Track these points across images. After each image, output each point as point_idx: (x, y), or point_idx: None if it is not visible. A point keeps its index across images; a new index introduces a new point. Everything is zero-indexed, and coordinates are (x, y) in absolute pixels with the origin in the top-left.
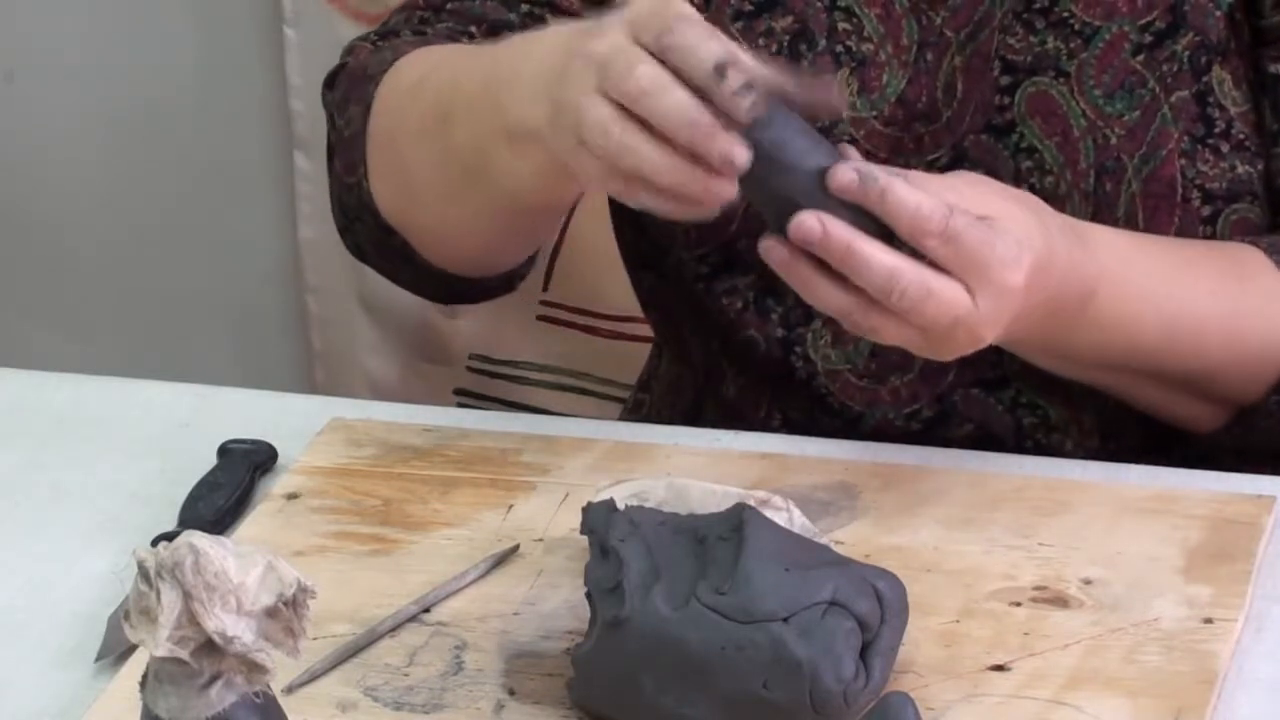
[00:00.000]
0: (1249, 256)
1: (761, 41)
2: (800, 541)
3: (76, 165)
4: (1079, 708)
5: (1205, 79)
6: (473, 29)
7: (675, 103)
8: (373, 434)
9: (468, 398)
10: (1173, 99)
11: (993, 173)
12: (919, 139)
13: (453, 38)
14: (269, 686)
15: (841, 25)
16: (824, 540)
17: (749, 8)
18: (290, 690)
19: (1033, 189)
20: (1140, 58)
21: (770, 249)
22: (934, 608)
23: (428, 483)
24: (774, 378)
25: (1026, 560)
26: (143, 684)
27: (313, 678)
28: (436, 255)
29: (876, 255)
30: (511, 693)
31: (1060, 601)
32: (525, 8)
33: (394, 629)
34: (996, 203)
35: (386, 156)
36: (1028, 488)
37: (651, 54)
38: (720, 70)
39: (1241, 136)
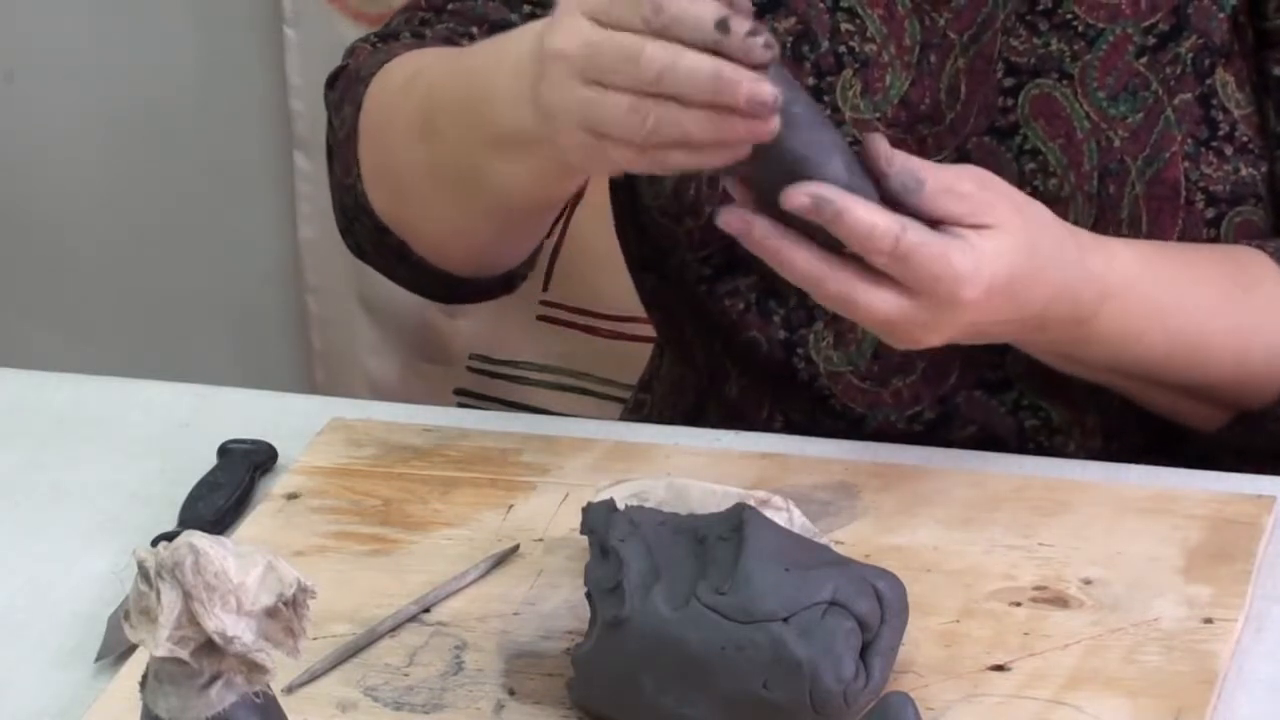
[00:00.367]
0: (1254, 261)
1: None
2: (800, 541)
3: (76, 165)
4: (1079, 708)
5: (1209, 81)
6: (474, 30)
7: (690, 68)
8: (373, 434)
9: (468, 398)
10: (1176, 101)
11: (995, 173)
12: (922, 140)
13: (452, 39)
14: (269, 686)
15: (844, 26)
16: (824, 540)
17: (752, 9)
18: (290, 690)
19: (1036, 191)
20: (1144, 60)
21: (729, 222)
22: (934, 608)
23: (428, 483)
24: (776, 379)
25: (1026, 560)
26: (143, 684)
27: (313, 678)
28: (433, 255)
29: (796, 263)
30: (511, 693)
31: (1060, 601)
32: (528, 8)
33: (394, 629)
34: (998, 212)
35: (378, 159)
36: (1028, 488)
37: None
38: (723, 25)
39: (1245, 139)
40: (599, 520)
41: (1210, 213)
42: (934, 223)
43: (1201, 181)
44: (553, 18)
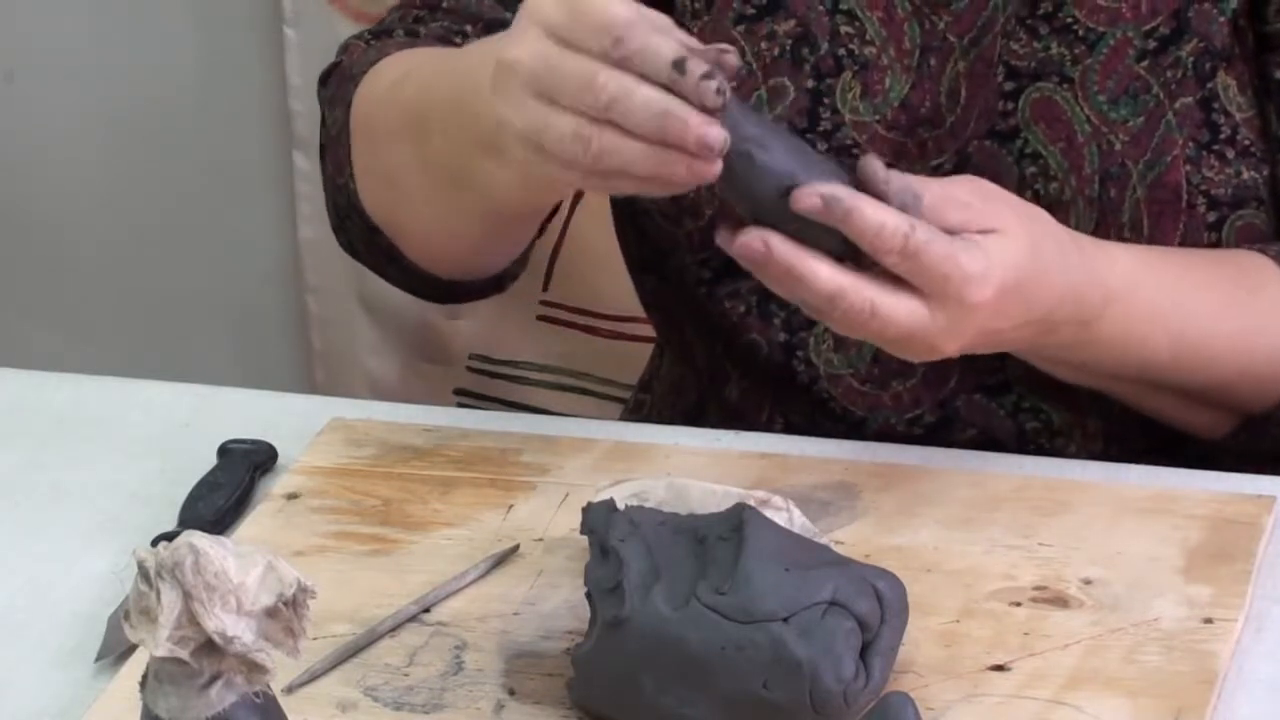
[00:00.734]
0: (1257, 265)
1: (764, 45)
2: (800, 541)
3: (76, 165)
4: (1079, 708)
5: (1210, 85)
6: (468, 28)
7: (643, 101)
8: (373, 434)
9: (468, 398)
10: (1177, 105)
11: (996, 179)
12: (922, 144)
13: (445, 37)
14: (269, 686)
15: (843, 29)
16: (824, 540)
17: (751, 11)
18: (290, 690)
19: (1037, 195)
20: (1144, 64)
21: (729, 242)
22: (934, 608)
23: (428, 483)
24: (776, 381)
25: (1026, 560)
26: (143, 684)
27: (313, 678)
28: (422, 256)
29: (820, 276)
30: (511, 693)
31: (1060, 601)
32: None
33: (394, 629)
34: (1001, 217)
35: (367, 159)
36: (1028, 488)
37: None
38: (679, 65)
39: (1247, 142)
40: (599, 520)
41: (1212, 216)
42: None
43: (1203, 185)
44: (513, 25)
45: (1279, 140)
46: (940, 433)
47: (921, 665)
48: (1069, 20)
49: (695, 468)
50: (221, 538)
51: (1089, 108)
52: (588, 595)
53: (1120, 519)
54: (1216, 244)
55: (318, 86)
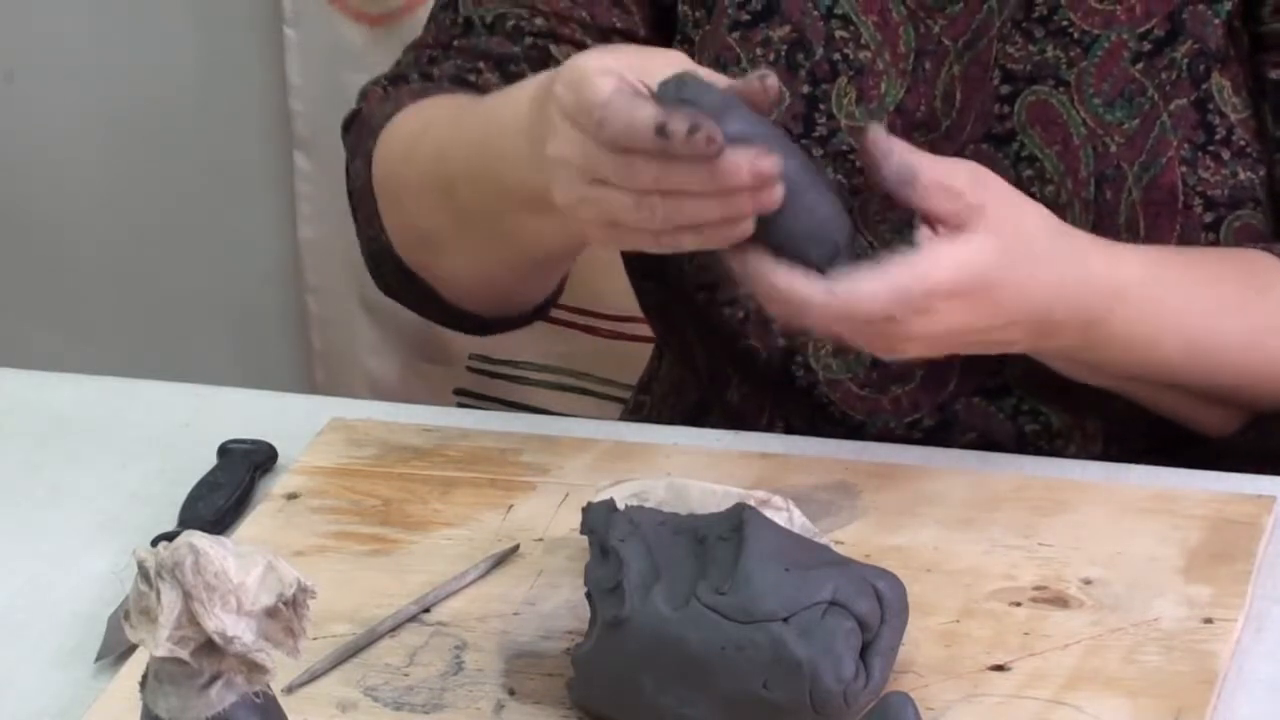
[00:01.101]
0: (1266, 265)
1: (759, 51)
2: (800, 541)
3: (76, 165)
4: (1079, 708)
5: (1205, 86)
6: (480, 64)
7: (683, 173)
8: (373, 434)
9: (468, 398)
10: (1172, 107)
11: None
12: (919, 148)
13: (460, 76)
14: (269, 686)
15: (839, 33)
16: (824, 540)
17: (745, 17)
18: (290, 690)
19: (1033, 198)
20: (1139, 66)
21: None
22: (934, 608)
23: (428, 483)
24: (776, 386)
25: (1026, 560)
26: (143, 684)
27: (313, 678)
28: (461, 299)
29: (779, 284)
30: (511, 693)
31: (1060, 601)
32: (529, 40)
33: (394, 629)
34: (986, 215)
35: (395, 214)
36: (1028, 488)
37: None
38: (661, 130)
39: (1243, 143)
40: (599, 520)
41: (1208, 217)
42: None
43: (1199, 186)
44: (544, 117)
45: (1276, 140)
46: (939, 436)
47: (921, 665)
48: (1064, 23)
49: (695, 468)
50: (221, 538)
51: (1085, 110)
52: (588, 595)
53: (1120, 519)
54: (1214, 244)
55: (341, 133)
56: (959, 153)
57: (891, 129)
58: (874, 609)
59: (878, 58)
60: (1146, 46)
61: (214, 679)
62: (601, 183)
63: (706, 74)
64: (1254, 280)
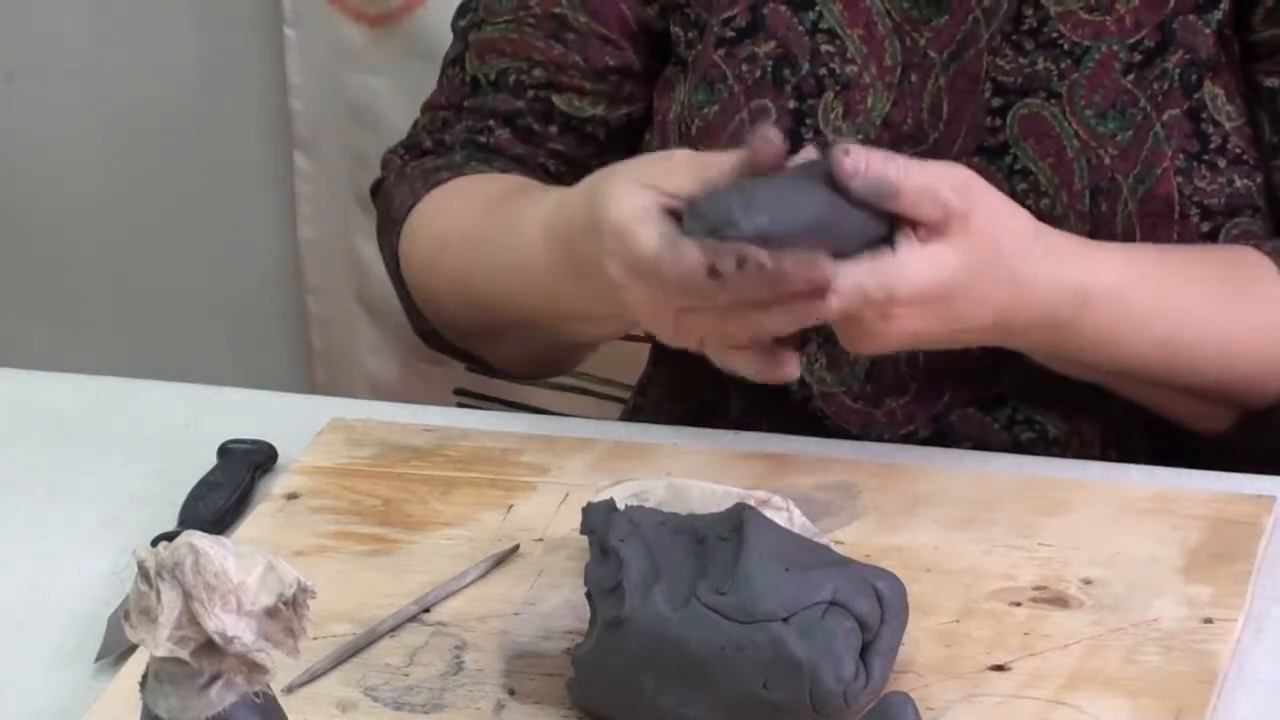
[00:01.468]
0: (1252, 261)
1: (744, 68)
2: (800, 541)
3: (76, 165)
4: (1079, 708)
5: (1197, 95)
6: (490, 123)
7: (748, 284)
8: (373, 434)
9: (468, 398)
10: (1165, 117)
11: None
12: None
13: (471, 140)
14: (269, 686)
15: (824, 48)
16: (824, 540)
17: (730, 34)
18: (290, 690)
19: (1028, 211)
20: (1130, 77)
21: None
22: (934, 608)
23: (428, 483)
24: (772, 399)
25: (1026, 560)
26: (143, 684)
27: (313, 678)
28: (509, 369)
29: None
30: (511, 693)
31: (1060, 601)
32: (530, 94)
33: (394, 629)
34: (961, 225)
35: (432, 309)
36: (1028, 488)
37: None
38: (714, 273)
39: (1239, 151)
40: (599, 520)
41: (1206, 226)
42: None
43: (1195, 195)
44: (606, 268)
45: (1273, 148)
46: (935, 447)
47: (921, 665)
48: (1054, 35)
49: (695, 468)
50: (221, 538)
51: (1077, 122)
52: (588, 595)
53: (1120, 519)
54: None
55: (370, 195)
56: None
57: (878, 143)
58: (874, 609)
59: (864, 71)
60: (1137, 57)
61: (214, 679)
62: (688, 310)
63: (714, 163)
64: (1236, 278)
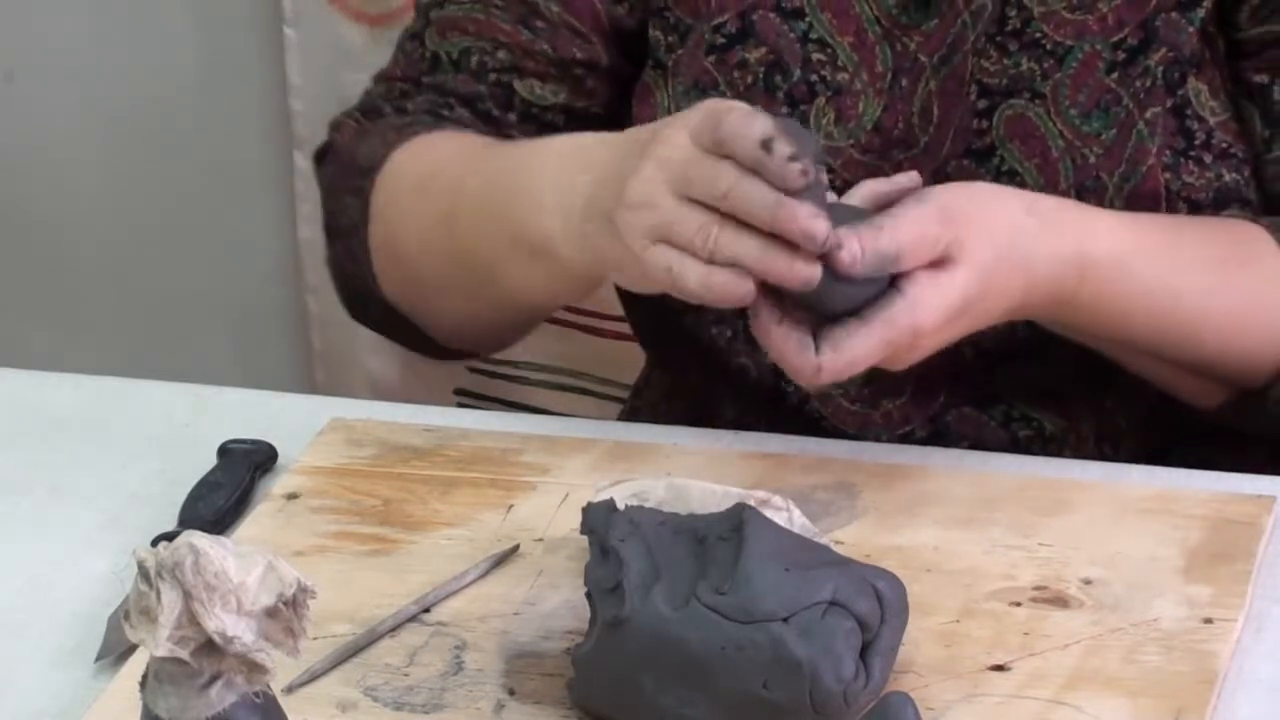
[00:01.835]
0: (1252, 236)
1: (736, 74)
2: (800, 541)
3: (76, 165)
4: (1079, 708)
5: (1180, 92)
6: (451, 100)
7: (759, 190)
8: (373, 434)
9: (468, 398)
10: (1148, 115)
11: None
12: (897, 166)
13: (434, 112)
14: (269, 686)
15: (815, 55)
16: (824, 540)
17: (721, 40)
18: (290, 690)
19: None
20: (1114, 75)
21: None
22: (934, 608)
23: (428, 483)
24: (768, 403)
25: (1026, 560)
26: (143, 684)
27: (313, 678)
28: (448, 339)
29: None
30: (511, 693)
31: (1060, 601)
32: (493, 77)
33: (394, 629)
34: (961, 248)
35: (389, 254)
36: (1028, 488)
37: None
38: (766, 144)
39: (1225, 145)
40: (599, 520)
41: None
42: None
43: (1183, 191)
44: (667, 127)
45: (1265, 142)
46: (932, 446)
47: (921, 665)
48: (1038, 35)
49: (695, 468)
50: (221, 538)
51: (1062, 122)
52: (588, 595)
53: (1120, 519)
54: None
55: (314, 164)
56: (940, 168)
57: (869, 148)
58: (874, 609)
59: (855, 78)
60: (1120, 56)
61: (214, 679)
62: (681, 198)
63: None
64: (1237, 253)
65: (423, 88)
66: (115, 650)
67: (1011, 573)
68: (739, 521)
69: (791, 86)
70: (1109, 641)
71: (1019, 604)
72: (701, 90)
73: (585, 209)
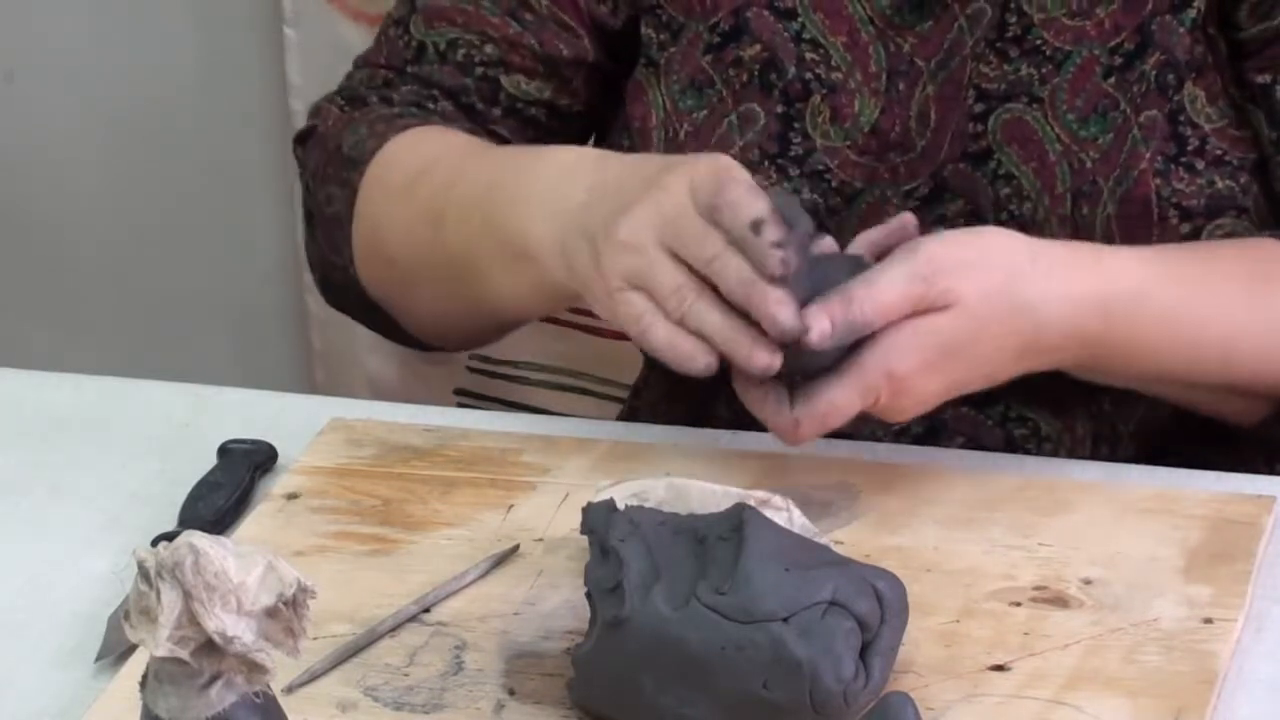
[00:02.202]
0: (1271, 254)
1: (731, 72)
2: (800, 541)
3: (76, 165)
4: (1079, 708)
5: (1176, 97)
6: (435, 92)
7: (737, 266)
8: (373, 434)
9: (468, 398)
10: (1142, 119)
11: (972, 200)
12: (894, 169)
13: (419, 104)
14: (269, 686)
15: (809, 55)
16: (824, 540)
17: (716, 39)
18: (290, 690)
19: (1011, 216)
20: (1111, 80)
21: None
22: (934, 608)
23: (428, 483)
24: None
25: (1026, 560)
26: (143, 684)
27: (313, 678)
28: (426, 335)
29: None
30: (511, 693)
31: (1060, 601)
32: (479, 71)
33: (394, 629)
34: (955, 295)
35: (373, 249)
36: (1028, 488)
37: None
38: (756, 225)
39: (1219, 152)
40: (599, 520)
41: (1185, 228)
42: None
43: (1174, 197)
44: (674, 170)
45: (1274, 143)
46: (928, 445)
47: (921, 665)
48: (1037, 41)
49: (695, 468)
50: (221, 538)
51: (1059, 127)
52: (588, 595)
53: (1120, 519)
54: None
55: (293, 146)
56: (937, 172)
57: (866, 150)
58: (874, 609)
59: (849, 78)
60: (1117, 60)
61: (214, 679)
62: (668, 252)
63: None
64: (1262, 269)
65: (406, 77)
66: (115, 650)
67: (1011, 573)
68: (739, 521)
69: (786, 84)
70: (1109, 641)
71: (1019, 604)
72: (698, 89)
73: (573, 223)
